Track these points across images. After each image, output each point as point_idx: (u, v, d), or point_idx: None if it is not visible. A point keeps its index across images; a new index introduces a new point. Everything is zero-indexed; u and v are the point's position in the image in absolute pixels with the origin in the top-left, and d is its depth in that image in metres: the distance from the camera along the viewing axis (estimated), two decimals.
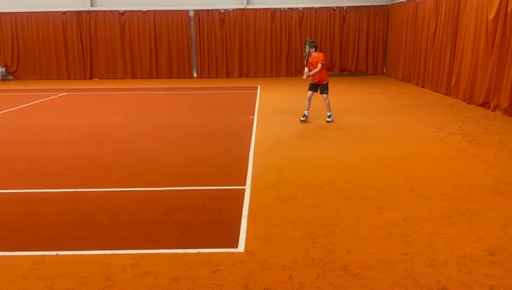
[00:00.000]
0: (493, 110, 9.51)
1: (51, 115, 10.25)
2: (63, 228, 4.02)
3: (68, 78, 18.61)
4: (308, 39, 9.10)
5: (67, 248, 3.64)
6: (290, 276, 3.18)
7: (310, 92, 8.84)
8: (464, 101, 10.85)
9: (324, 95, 8.78)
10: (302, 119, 8.79)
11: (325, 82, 8.78)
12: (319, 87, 8.80)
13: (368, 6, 18.06)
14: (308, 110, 8.87)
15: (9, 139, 7.75)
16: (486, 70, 9.78)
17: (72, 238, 3.82)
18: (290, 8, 18.05)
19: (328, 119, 8.74)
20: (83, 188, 5.10)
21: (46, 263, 3.40)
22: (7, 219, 4.26)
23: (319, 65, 8.53)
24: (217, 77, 18.47)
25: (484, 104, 9.95)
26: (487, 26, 9.71)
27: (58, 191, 5.02)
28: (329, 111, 8.83)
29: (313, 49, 8.64)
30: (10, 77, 18.86)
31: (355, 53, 18.44)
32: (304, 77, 8.83)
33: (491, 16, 9.54)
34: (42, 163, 6.17)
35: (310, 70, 8.72)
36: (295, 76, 18.40)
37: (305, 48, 8.93)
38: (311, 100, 8.86)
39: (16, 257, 3.50)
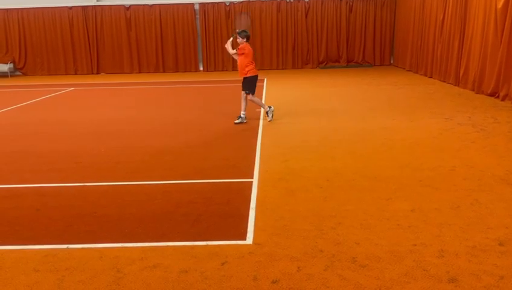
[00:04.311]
0: (502, 100, 9.41)
1: (59, 110, 10.31)
2: (73, 222, 4.06)
3: (75, 74, 18.73)
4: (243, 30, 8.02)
5: (77, 241, 3.68)
6: (299, 267, 3.19)
7: (242, 92, 8.00)
8: (473, 91, 10.75)
9: (245, 93, 7.88)
10: (236, 121, 7.95)
11: (248, 76, 7.83)
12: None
13: None
14: (244, 110, 7.99)
15: (18, 134, 7.82)
16: (496, 60, 9.67)
17: (82, 232, 3.86)
18: None
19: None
20: (92, 182, 5.14)
21: (57, 256, 3.44)
22: (19, 212, 4.31)
23: (234, 50, 7.78)
24: (223, 70, 18.47)
25: (493, 94, 9.85)
26: (496, 15, 9.58)
27: (68, 186, 5.07)
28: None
29: (244, 40, 7.82)
30: (18, 73, 19.01)
31: (362, 44, 18.33)
32: (226, 44, 7.98)
33: (500, 5, 9.40)
34: (52, 158, 6.23)
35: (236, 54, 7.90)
36: (301, 68, 18.36)
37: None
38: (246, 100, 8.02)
39: (28, 251, 3.55)
